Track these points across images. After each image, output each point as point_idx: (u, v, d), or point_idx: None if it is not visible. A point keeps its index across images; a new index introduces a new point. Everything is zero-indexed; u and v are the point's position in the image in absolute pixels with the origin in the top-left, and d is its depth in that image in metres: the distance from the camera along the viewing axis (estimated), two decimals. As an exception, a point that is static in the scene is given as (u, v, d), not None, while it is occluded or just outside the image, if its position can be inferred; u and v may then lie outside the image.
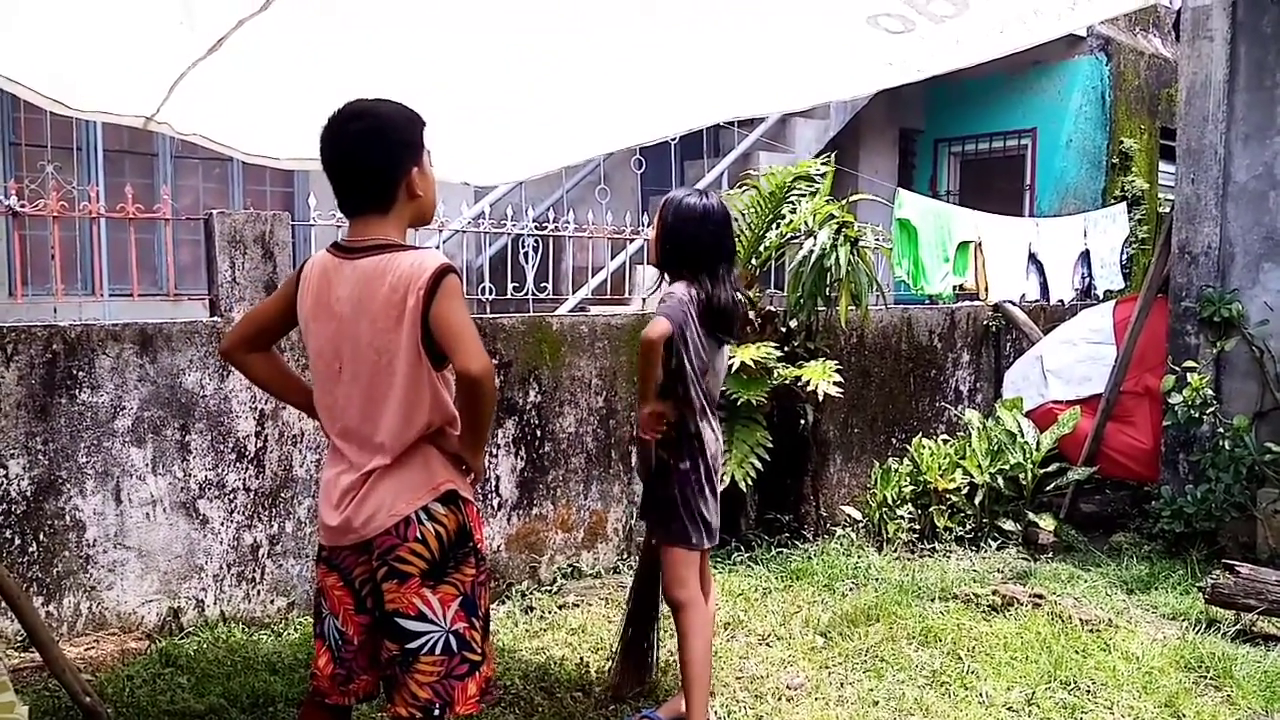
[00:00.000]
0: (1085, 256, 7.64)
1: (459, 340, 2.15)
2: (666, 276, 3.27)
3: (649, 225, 3.30)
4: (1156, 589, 4.99)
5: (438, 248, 5.30)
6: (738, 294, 3.25)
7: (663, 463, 3.21)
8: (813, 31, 3.13)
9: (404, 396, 2.21)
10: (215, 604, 4.16)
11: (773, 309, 5.64)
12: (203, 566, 4.13)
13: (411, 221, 2.35)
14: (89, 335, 3.88)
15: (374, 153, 2.23)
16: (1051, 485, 6.00)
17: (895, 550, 5.51)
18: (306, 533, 4.34)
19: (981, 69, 3.68)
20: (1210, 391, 5.53)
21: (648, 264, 3.37)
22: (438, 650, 2.24)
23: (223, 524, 4.17)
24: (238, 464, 4.20)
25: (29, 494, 3.76)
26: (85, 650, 3.76)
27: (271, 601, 4.29)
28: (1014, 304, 7.05)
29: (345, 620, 2.32)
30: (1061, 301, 7.43)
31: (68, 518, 3.84)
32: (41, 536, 3.79)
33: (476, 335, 2.19)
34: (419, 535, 2.22)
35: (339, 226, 4.75)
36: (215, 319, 4.19)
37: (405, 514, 2.22)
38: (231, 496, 4.19)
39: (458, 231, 5.55)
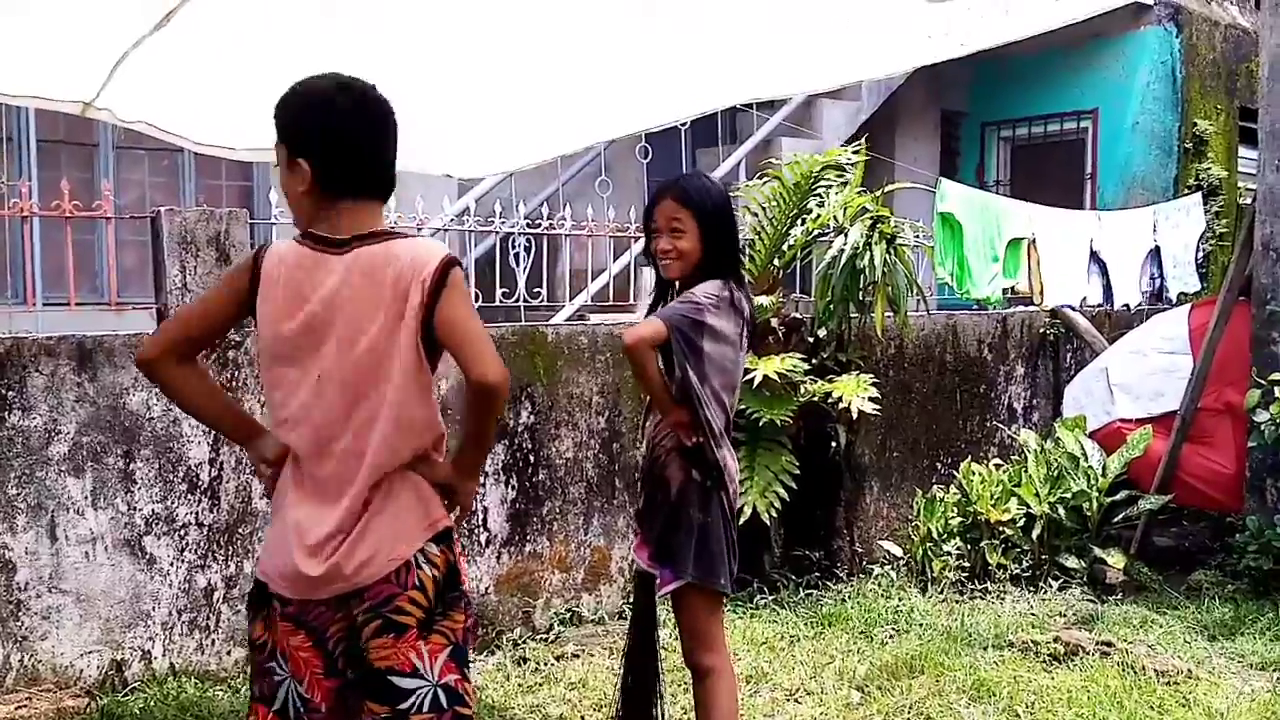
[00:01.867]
0: (1155, 254, 7.64)
1: (473, 344, 2.15)
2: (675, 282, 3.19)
3: (664, 227, 3.13)
4: (1242, 634, 4.95)
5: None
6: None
7: (694, 484, 3.04)
8: (841, 0, 3.15)
9: (399, 411, 2.17)
10: (164, 655, 4.16)
11: (799, 316, 5.63)
12: (149, 612, 4.13)
13: None
14: (20, 350, 3.89)
15: (392, 132, 2.28)
16: (1120, 516, 5.97)
17: (941, 591, 5.49)
18: (267, 574, 4.33)
19: (1034, 43, 3.67)
20: (1301, 408, 5.51)
21: (667, 273, 3.21)
22: (426, 708, 2.20)
23: (172, 564, 4.17)
24: (189, 496, 4.20)
25: (-48, 531, 3.77)
26: (16, 709, 3.75)
27: (228, 652, 4.28)
28: (1074, 309, 7.04)
29: (311, 686, 2.25)
30: (1128, 306, 7.41)
31: (-4, 558, 3.84)
32: (-34, 580, 3.79)
33: (489, 338, 2.19)
34: (418, 581, 2.19)
35: (304, 225, 4.76)
36: (164, 331, 4.20)
37: (406, 557, 2.18)
38: (182, 533, 4.19)
39: (439, 230, 5.57)
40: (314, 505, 2.22)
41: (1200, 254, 8.11)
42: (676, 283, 3.17)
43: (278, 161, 2.28)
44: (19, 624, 3.88)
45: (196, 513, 4.21)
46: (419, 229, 5.13)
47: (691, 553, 3.02)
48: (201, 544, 4.22)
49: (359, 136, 2.24)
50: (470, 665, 2.31)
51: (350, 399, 2.20)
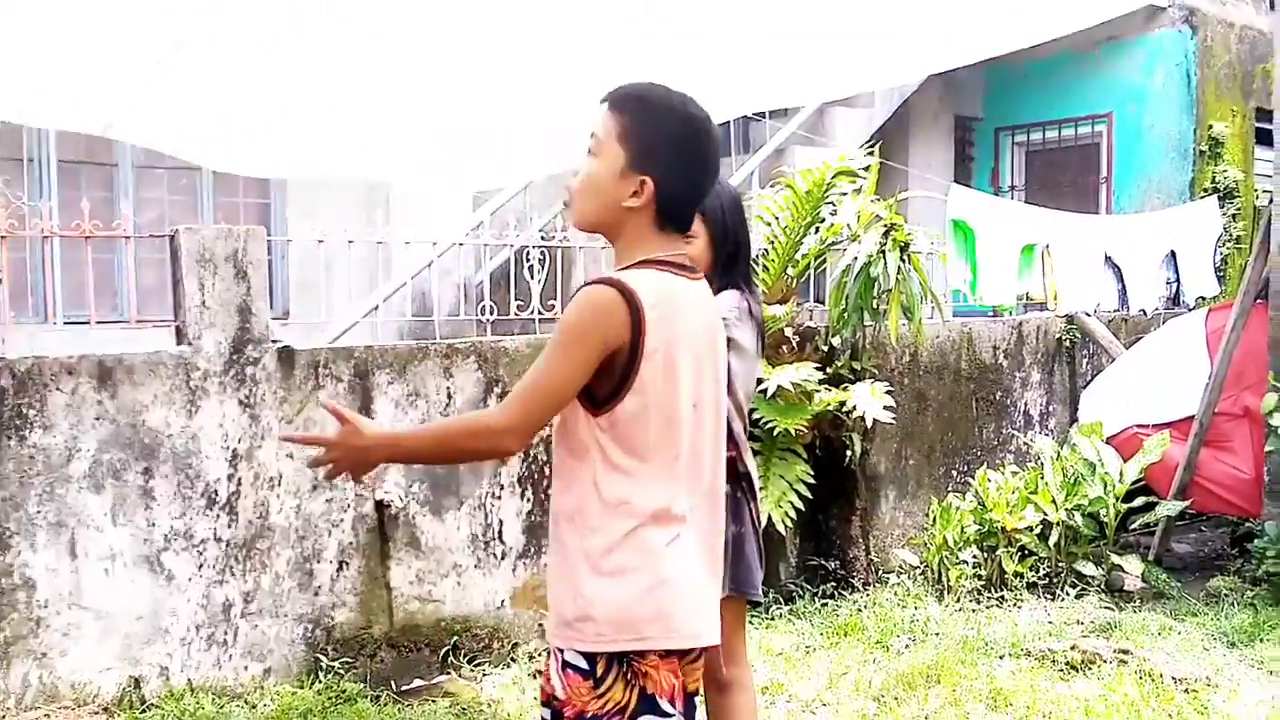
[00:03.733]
0: (1171, 258, 7.60)
1: None
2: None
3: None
4: (1262, 641, 4.92)
5: (431, 263, 5.38)
6: None
7: (726, 497, 3.04)
8: (854, 4, 3.16)
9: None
10: (182, 671, 4.18)
11: (813, 325, 5.63)
12: (168, 629, 4.15)
13: None
14: (41, 369, 3.93)
15: None
16: (1138, 522, 5.94)
17: (958, 600, 5.47)
18: (285, 588, 4.36)
19: (1048, 48, 3.66)
20: (1320, 412, 5.48)
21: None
22: None
23: (190, 580, 4.19)
24: (207, 511, 4.22)
25: (-26, 549, 3.81)
26: (37, 726, 3.78)
27: (245, 668, 4.31)
28: (1089, 314, 7.02)
29: None
30: (1144, 310, 7.38)
31: (16, 575, 3.87)
32: (-12, 596, 3.83)
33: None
34: None
35: (321, 242, 4.79)
36: (182, 347, 4.24)
37: None
38: (200, 548, 4.21)
39: (455, 244, 5.60)
40: (703, 546, 2.17)
41: (1217, 257, 8.06)
42: None
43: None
44: (39, 641, 3.91)
45: (215, 528, 4.24)
46: (434, 243, 5.16)
47: (728, 565, 3.01)
48: (219, 559, 4.25)
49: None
50: None
51: (713, 435, 2.18)
